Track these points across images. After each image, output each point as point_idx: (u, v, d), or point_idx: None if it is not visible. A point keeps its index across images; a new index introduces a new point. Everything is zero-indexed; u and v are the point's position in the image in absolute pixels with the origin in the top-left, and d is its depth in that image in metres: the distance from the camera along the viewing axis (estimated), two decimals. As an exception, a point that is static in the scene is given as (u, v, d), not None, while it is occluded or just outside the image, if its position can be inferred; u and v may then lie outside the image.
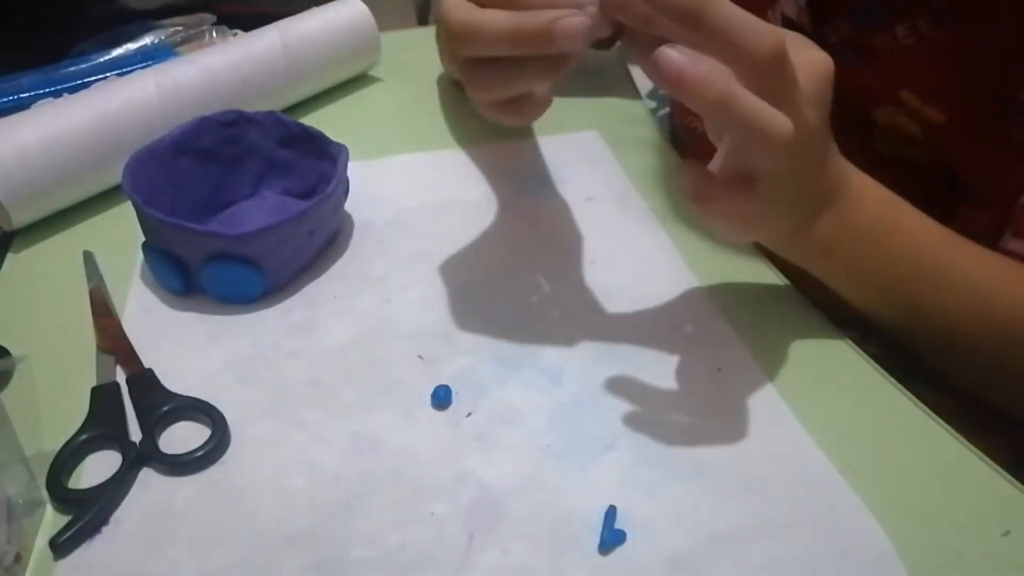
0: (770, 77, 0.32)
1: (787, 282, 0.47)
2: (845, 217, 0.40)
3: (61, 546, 0.33)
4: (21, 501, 0.34)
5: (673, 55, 0.29)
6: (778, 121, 0.31)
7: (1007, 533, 0.34)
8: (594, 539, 0.34)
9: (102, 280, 0.47)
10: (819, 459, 0.37)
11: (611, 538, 0.33)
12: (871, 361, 0.42)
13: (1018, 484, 0.36)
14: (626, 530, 0.34)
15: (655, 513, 0.35)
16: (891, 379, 0.41)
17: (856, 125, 0.47)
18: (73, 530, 0.34)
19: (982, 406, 0.48)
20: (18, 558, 0.33)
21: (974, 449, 0.37)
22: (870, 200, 0.41)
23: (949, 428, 0.38)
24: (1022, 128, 0.43)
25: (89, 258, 0.49)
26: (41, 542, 0.34)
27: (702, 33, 0.30)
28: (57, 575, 0.33)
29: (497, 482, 0.36)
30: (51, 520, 0.35)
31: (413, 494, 0.36)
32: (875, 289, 0.42)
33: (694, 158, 0.56)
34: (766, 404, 0.39)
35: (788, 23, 0.51)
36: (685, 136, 0.61)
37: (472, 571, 0.33)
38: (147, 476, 0.37)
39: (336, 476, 0.36)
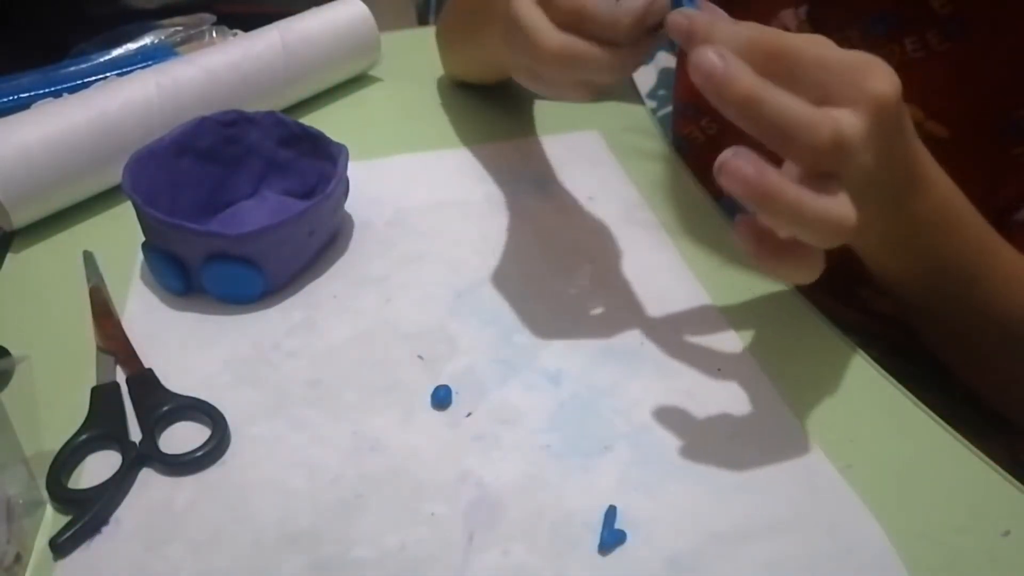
0: (829, 163, 0.31)
1: (788, 284, 0.47)
2: (919, 210, 0.38)
3: (61, 546, 0.33)
4: (21, 501, 0.34)
5: (731, 159, 0.30)
6: (841, 212, 0.31)
7: (1007, 533, 0.34)
8: (594, 539, 0.34)
9: (102, 280, 0.47)
10: (819, 459, 0.37)
11: (611, 538, 0.33)
12: (872, 362, 0.42)
13: (1018, 484, 0.36)
14: (626, 530, 0.34)
15: (655, 513, 0.35)
16: (891, 379, 0.41)
17: None
18: (73, 530, 0.34)
19: (981, 407, 0.48)
20: (18, 558, 0.33)
21: (974, 449, 0.37)
22: (940, 189, 0.39)
23: (949, 428, 0.38)
24: (1022, 145, 0.43)
25: (89, 258, 0.49)
26: (41, 542, 0.34)
27: (758, 128, 0.30)
28: (57, 575, 0.33)
29: (497, 482, 0.36)
30: (51, 520, 0.35)
31: (413, 494, 0.36)
32: (935, 279, 0.41)
33: (692, 168, 0.57)
34: (766, 404, 0.39)
35: None
36: (684, 146, 0.61)
37: (472, 571, 0.33)
38: (147, 476, 0.37)
39: (336, 476, 0.36)
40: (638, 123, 0.63)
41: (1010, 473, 0.36)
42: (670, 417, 0.39)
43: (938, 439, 0.38)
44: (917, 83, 0.46)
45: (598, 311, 0.45)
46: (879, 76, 0.32)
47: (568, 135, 0.60)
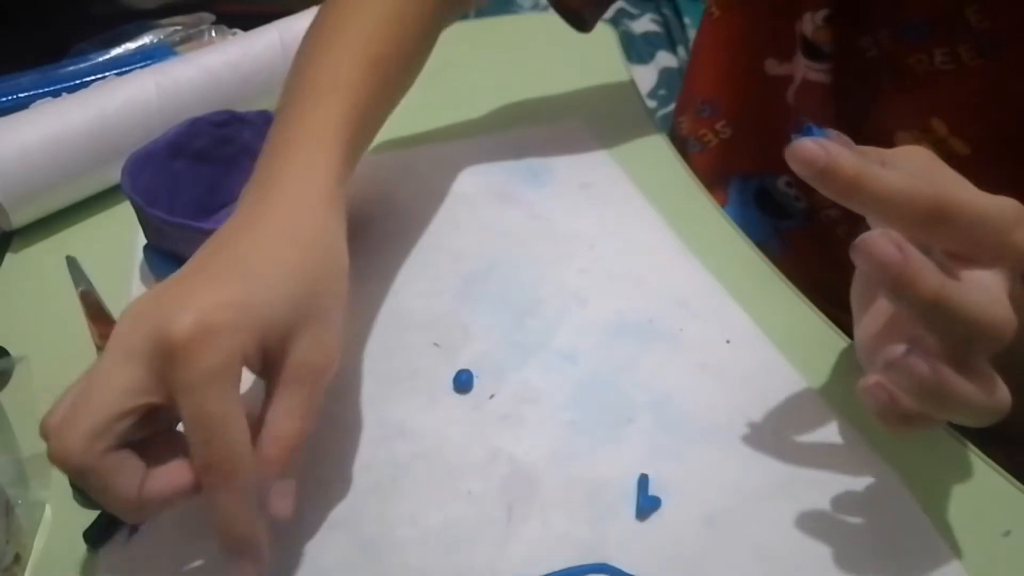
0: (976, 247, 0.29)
1: (787, 282, 0.47)
2: None
3: (94, 539, 0.33)
4: (20, 502, 0.34)
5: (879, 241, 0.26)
6: (998, 313, 0.27)
7: (1007, 533, 0.33)
8: (630, 506, 0.35)
9: (90, 284, 0.47)
10: (832, 417, 0.38)
11: (647, 504, 0.35)
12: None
13: (1018, 484, 0.36)
14: (660, 495, 0.35)
15: (685, 478, 0.36)
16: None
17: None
18: (105, 522, 0.34)
19: None
20: (17, 558, 0.33)
21: (974, 449, 0.37)
22: None
23: (949, 428, 0.38)
24: None
25: (73, 263, 0.49)
26: (40, 542, 0.34)
27: (936, 329, 0.27)
28: (101, 570, 0.33)
29: (528, 457, 0.37)
30: (50, 520, 0.35)
31: (447, 474, 0.36)
32: None
33: (698, 169, 0.57)
34: (777, 373, 0.41)
35: (805, 43, 0.50)
36: (695, 146, 0.60)
37: (516, 542, 0.34)
38: None
39: (368, 463, 0.37)
40: (622, 110, 0.64)
41: (1010, 473, 0.36)
42: (687, 387, 0.40)
43: (938, 439, 0.38)
44: (943, 96, 0.44)
45: (604, 292, 0.46)
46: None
47: (553, 126, 0.61)
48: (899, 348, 0.28)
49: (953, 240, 0.29)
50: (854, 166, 0.27)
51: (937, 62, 0.44)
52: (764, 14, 0.37)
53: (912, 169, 0.30)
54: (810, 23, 0.50)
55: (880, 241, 0.26)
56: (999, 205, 0.29)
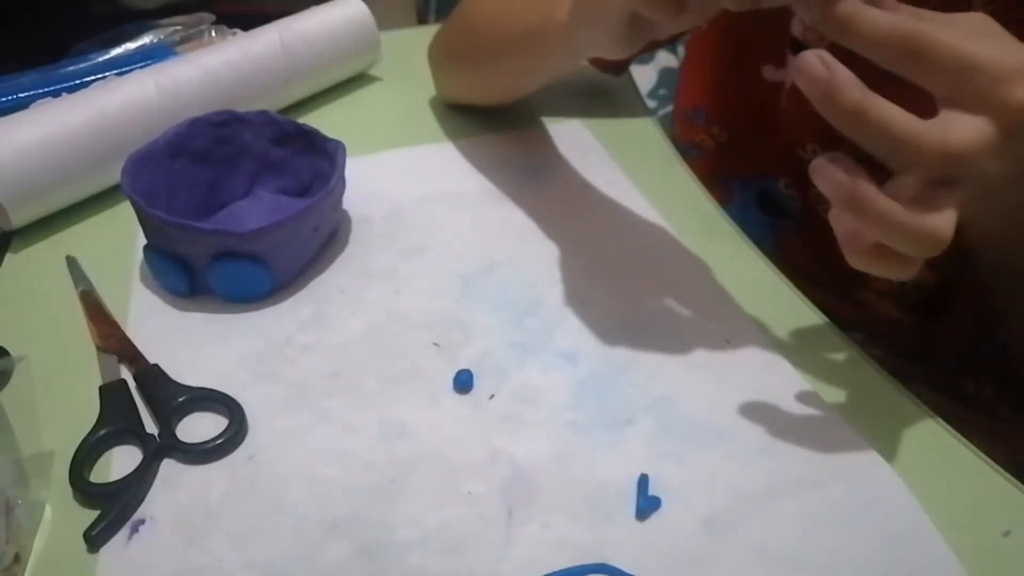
0: (941, 171, 0.31)
1: (788, 283, 0.47)
2: None
3: (95, 538, 0.33)
4: (20, 501, 0.34)
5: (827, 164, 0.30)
6: (935, 227, 0.30)
7: (1007, 533, 0.33)
8: (630, 507, 0.35)
9: (90, 283, 0.47)
10: (833, 419, 0.38)
11: (647, 504, 0.35)
12: (872, 362, 0.42)
13: (1018, 484, 0.36)
14: (660, 496, 0.35)
15: (685, 478, 0.36)
16: (892, 380, 0.41)
17: None
18: (105, 522, 0.34)
19: (981, 407, 0.48)
20: (17, 558, 0.33)
21: (974, 449, 0.37)
22: None
23: (949, 428, 0.38)
24: None
25: (73, 263, 0.49)
26: (40, 543, 0.34)
27: (861, 139, 0.30)
28: (101, 570, 0.33)
29: (528, 459, 0.37)
30: (50, 520, 0.35)
31: (448, 475, 0.36)
32: None
33: (697, 172, 0.57)
34: (777, 372, 0.41)
35: (795, 45, 0.50)
36: (693, 152, 0.60)
37: (516, 543, 0.34)
38: (175, 472, 0.37)
39: (368, 463, 0.37)
40: (622, 110, 0.64)
41: (1010, 473, 0.36)
42: (687, 388, 0.40)
43: (938, 439, 0.38)
44: None
45: (605, 292, 0.46)
46: (1019, 85, 0.30)
47: (553, 127, 0.61)
48: (826, 156, 0.30)
49: (932, 80, 0.31)
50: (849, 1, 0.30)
51: None
52: (759, 20, 0.37)
53: (962, 29, 0.31)
54: (799, 24, 0.50)
55: (809, 58, 0.29)
56: (996, 55, 0.30)
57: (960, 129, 0.30)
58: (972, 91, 0.30)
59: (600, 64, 0.65)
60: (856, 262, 0.32)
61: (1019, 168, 0.32)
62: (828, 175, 0.30)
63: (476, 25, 0.58)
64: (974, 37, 0.31)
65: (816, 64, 0.29)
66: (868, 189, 0.30)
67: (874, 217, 0.30)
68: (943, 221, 0.31)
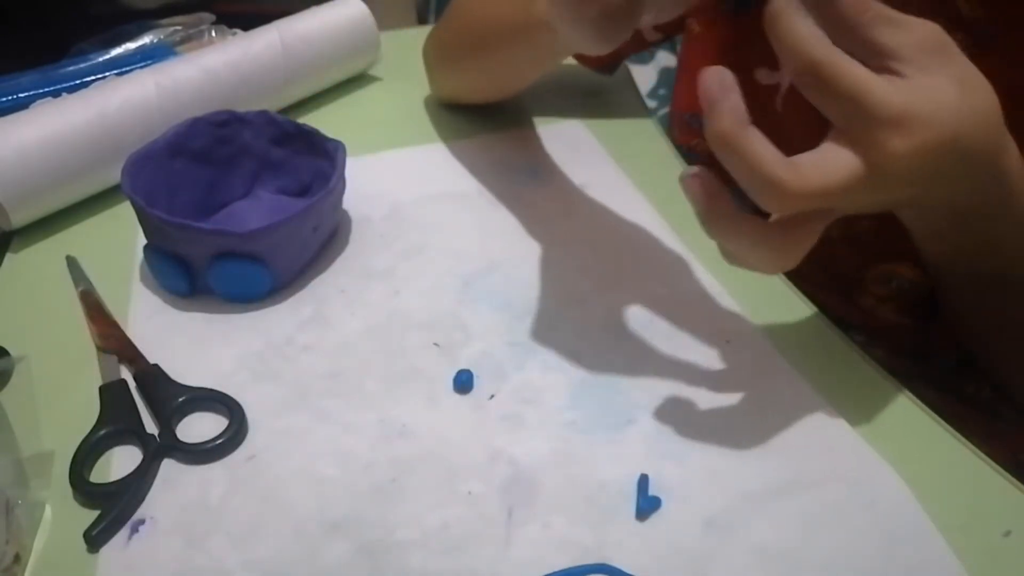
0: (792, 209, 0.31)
1: (788, 283, 0.47)
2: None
3: (95, 538, 0.33)
4: (20, 501, 0.34)
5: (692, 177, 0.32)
6: (777, 253, 0.32)
7: (1007, 533, 0.33)
8: (630, 507, 0.35)
9: (90, 283, 0.47)
10: (833, 419, 0.38)
11: (647, 504, 0.35)
12: (872, 362, 0.41)
13: (1018, 484, 0.36)
14: (660, 496, 0.35)
15: (685, 478, 0.36)
16: (892, 380, 0.41)
17: None
18: (105, 522, 0.34)
19: (982, 407, 0.48)
20: (17, 559, 0.33)
21: (974, 449, 0.37)
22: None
23: (949, 428, 0.38)
24: None
25: (73, 263, 0.49)
26: (40, 543, 0.34)
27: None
28: (101, 570, 0.33)
29: (528, 459, 0.37)
30: (50, 520, 0.35)
31: (448, 475, 0.36)
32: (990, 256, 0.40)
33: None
34: (777, 373, 0.41)
35: None
36: (690, 158, 0.60)
37: (516, 543, 0.34)
38: (175, 472, 0.37)
39: (368, 463, 0.37)
40: (622, 110, 0.64)
41: (1010, 473, 0.36)
42: (687, 388, 0.40)
43: (938, 439, 0.38)
44: None
45: (605, 292, 0.46)
46: (898, 133, 0.30)
47: (552, 126, 0.61)
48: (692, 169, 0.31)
49: (825, 106, 0.31)
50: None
51: None
52: (752, 23, 0.37)
53: (911, 40, 0.31)
54: None
55: (708, 75, 0.30)
56: (887, 95, 0.30)
57: (827, 167, 0.30)
58: (857, 128, 0.31)
59: (591, 63, 0.65)
60: (712, 231, 0.33)
61: (897, 200, 0.34)
62: (688, 190, 0.31)
63: (463, 21, 0.58)
64: (913, 51, 0.31)
65: (711, 84, 0.30)
66: (722, 209, 0.31)
67: (726, 236, 0.32)
68: (796, 247, 0.32)
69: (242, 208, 0.52)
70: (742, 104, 0.30)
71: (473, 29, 0.57)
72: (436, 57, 0.63)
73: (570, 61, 0.65)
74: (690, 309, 0.45)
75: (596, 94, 0.66)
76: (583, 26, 0.39)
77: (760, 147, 0.30)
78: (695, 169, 0.32)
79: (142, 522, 0.35)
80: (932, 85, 0.31)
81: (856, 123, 0.31)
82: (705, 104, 0.30)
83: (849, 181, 0.30)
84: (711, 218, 0.32)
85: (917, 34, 0.32)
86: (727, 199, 0.32)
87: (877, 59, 0.31)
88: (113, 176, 0.48)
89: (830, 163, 0.31)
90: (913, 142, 0.31)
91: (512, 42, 0.51)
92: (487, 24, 0.55)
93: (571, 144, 0.59)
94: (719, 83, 0.30)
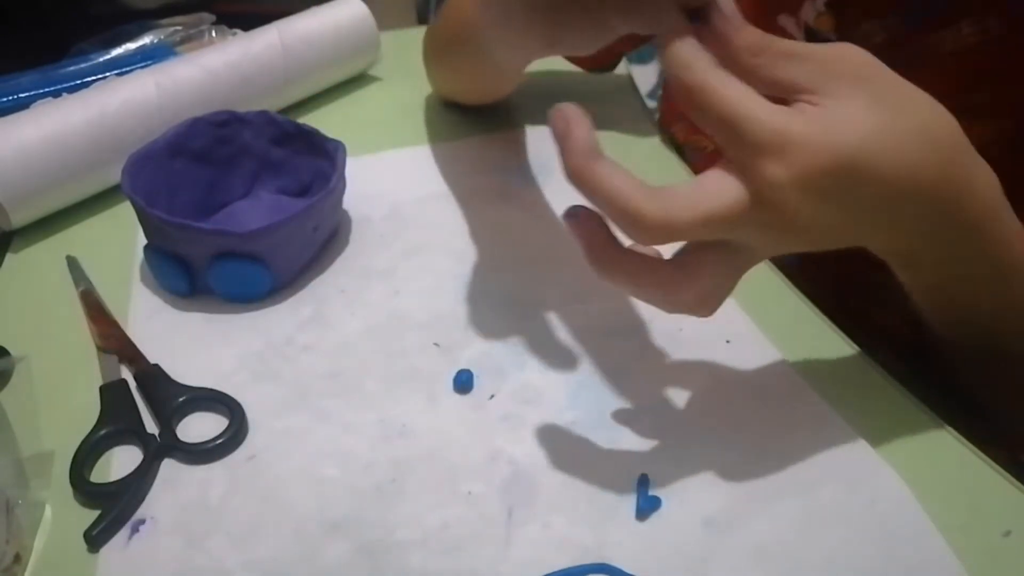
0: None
1: (787, 283, 0.47)
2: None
3: (95, 538, 0.33)
4: (20, 501, 0.34)
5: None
6: (632, 203, 0.29)
7: (1007, 533, 0.33)
8: (630, 507, 0.35)
9: (90, 283, 0.47)
10: (833, 419, 0.38)
11: (647, 504, 0.35)
12: (872, 362, 0.42)
13: (1018, 484, 0.35)
14: (660, 496, 0.35)
15: (685, 478, 0.36)
16: (892, 380, 0.41)
17: None
18: (106, 522, 0.34)
19: (982, 407, 0.48)
20: (17, 558, 0.33)
21: (974, 449, 0.37)
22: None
23: (950, 428, 0.38)
24: None
25: (73, 263, 0.49)
26: (40, 543, 0.34)
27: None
28: (101, 570, 0.33)
29: (528, 459, 0.37)
30: (50, 520, 0.35)
31: (448, 475, 0.36)
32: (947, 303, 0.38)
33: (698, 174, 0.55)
34: (777, 373, 0.41)
35: (808, 32, 0.50)
36: (691, 155, 0.60)
37: (516, 543, 0.34)
38: (175, 472, 0.37)
39: (369, 463, 0.37)
40: (622, 110, 0.64)
41: (1010, 473, 0.36)
42: (687, 388, 0.40)
43: (938, 438, 0.38)
44: (978, 71, 0.40)
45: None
46: (772, 159, 0.28)
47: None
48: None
49: (710, 132, 0.30)
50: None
51: (965, 35, 0.40)
52: (766, 10, 0.36)
53: (813, 69, 0.30)
54: (811, 10, 0.48)
55: (556, 110, 0.29)
56: (762, 121, 0.28)
57: (700, 196, 0.29)
58: (737, 154, 0.29)
59: (584, 64, 0.64)
60: (601, 271, 0.32)
61: (816, 239, 0.31)
62: (570, 230, 0.31)
63: (446, 19, 0.58)
64: (818, 79, 0.29)
65: (556, 120, 0.29)
66: (604, 248, 0.30)
67: (612, 276, 0.31)
68: (693, 286, 0.31)
69: (242, 208, 0.52)
70: (590, 136, 0.29)
71: (447, 25, 0.57)
72: (428, 55, 0.63)
73: (569, 63, 0.65)
74: (690, 309, 0.45)
75: (596, 95, 0.66)
76: (514, 33, 0.38)
77: (612, 178, 0.28)
78: (577, 208, 0.31)
79: (142, 522, 0.35)
80: (832, 109, 0.29)
81: (735, 149, 0.29)
82: (556, 139, 0.29)
83: (728, 211, 0.29)
84: (593, 258, 0.31)
85: (820, 62, 0.30)
86: (607, 236, 0.30)
87: (790, 95, 0.30)
88: (113, 176, 0.48)
89: (706, 191, 0.29)
90: (792, 168, 0.28)
91: (463, 44, 0.51)
92: (454, 21, 0.54)
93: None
94: (564, 118, 0.29)
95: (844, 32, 0.47)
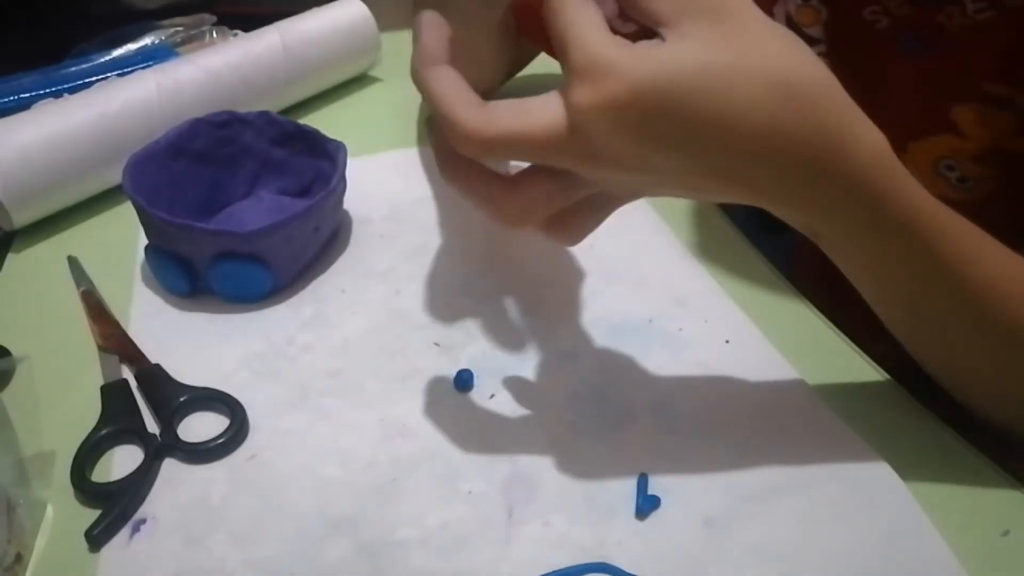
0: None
1: (787, 283, 0.47)
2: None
3: (96, 538, 0.33)
4: (21, 501, 0.34)
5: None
6: (459, 114, 0.28)
7: (1007, 533, 0.34)
8: (630, 506, 0.35)
9: (91, 283, 0.47)
10: (832, 419, 0.38)
11: (647, 504, 0.35)
12: (872, 362, 0.42)
13: (1018, 484, 0.36)
14: (660, 495, 0.35)
15: (685, 478, 0.36)
16: (892, 380, 0.41)
17: (935, 127, 0.40)
18: (107, 521, 0.34)
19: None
20: (18, 558, 0.33)
21: (974, 449, 0.37)
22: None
23: (949, 428, 0.38)
24: None
25: (75, 263, 0.49)
26: (41, 542, 0.34)
27: None
28: (102, 570, 0.33)
29: (529, 458, 0.37)
30: (51, 520, 0.35)
31: (448, 475, 0.36)
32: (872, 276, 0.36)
33: None
34: (775, 372, 0.41)
35: (790, 23, 0.49)
36: None
37: (516, 542, 0.34)
38: (176, 472, 0.37)
39: (369, 462, 0.37)
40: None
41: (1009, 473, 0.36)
42: (687, 387, 0.40)
43: (938, 438, 0.38)
44: (989, 52, 0.38)
45: (604, 292, 0.46)
46: (584, 83, 0.27)
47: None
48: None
49: (556, 50, 0.29)
50: None
51: (971, 12, 0.38)
52: None
53: (677, 4, 0.28)
54: (790, 3, 0.46)
55: (421, 15, 0.30)
56: (585, 41, 0.27)
57: (524, 114, 0.28)
58: (564, 78, 0.28)
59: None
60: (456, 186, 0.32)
61: (647, 176, 0.30)
62: (428, 136, 0.31)
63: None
64: (676, 15, 0.28)
65: (416, 24, 0.30)
66: (453, 155, 0.30)
67: (454, 181, 0.31)
68: (517, 204, 0.31)
69: (243, 208, 0.52)
70: (438, 44, 0.29)
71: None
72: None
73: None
74: (689, 308, 0.45)
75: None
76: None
77: (446, 87, 0.28)
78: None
79: (143, 521, 0.35)
80: (669, 43, 0.28)
81: (564, 72, 0.28)
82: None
83: (541, 133, 0.28)
84: (440, 161, 0.31)
85: None
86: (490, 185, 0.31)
87: (655, 28, 0.28)
88: (114, 176, 0.48)
89: (526, 111, 0.28)
90: (595, 94, 0.27)
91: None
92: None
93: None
94: (420, 23, 0.29)
95: (839, 24, 0.45)
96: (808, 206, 0.31)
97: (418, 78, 0.29)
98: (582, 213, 0.33)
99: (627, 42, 0.28)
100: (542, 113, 0.28)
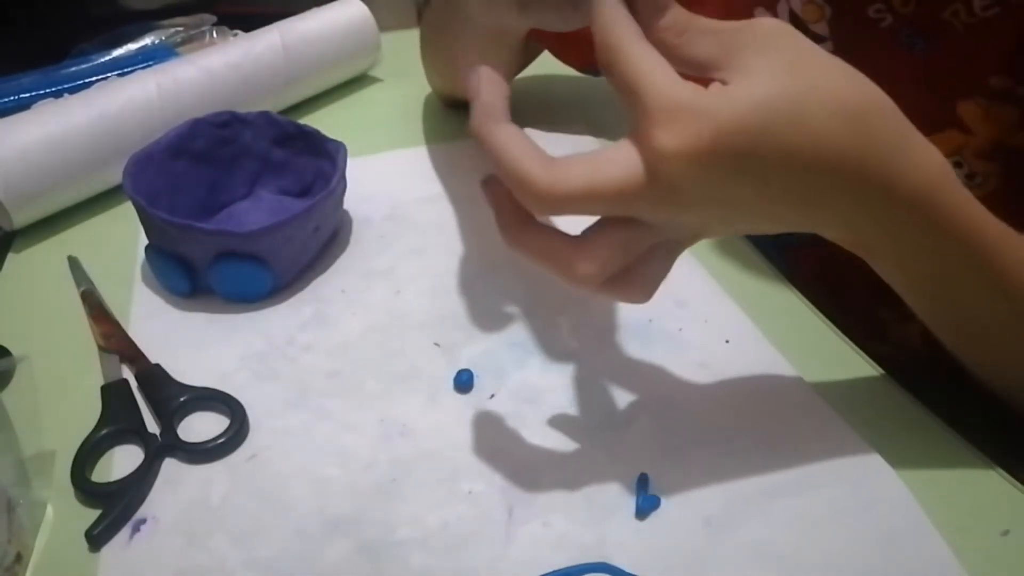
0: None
1: (787, 283, 0.47)
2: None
3: (96, 538, 0.33)
4: (21, 501, 0.34)
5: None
6: (522, 166, 0.28)
7: (1007, 533, 0.34)
8: (629, 506, 0.35)
9: (92, 283, 0.47)
10: (832, 419, 0.38)
11: (646, 504, 0.35)
12: (872, 362, 0.42)
13: (1018, 484, 0.36)
14: (659, 495, 0.35)
15: (685, 478, 0.36)
16: (892, 380, 0.41)
17: (941, 123, 0.40)
18: (107, 521, 0.34)
19: (980, 406, 0.48)
20: (18, 558, 0.33)
21: (974, 449, 0.37)
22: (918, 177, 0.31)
23: (949, 428, 0.38)
24: None
25: (75, 263, 0.49)
26: (41, 542, 0.34)
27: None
28: (102, 570, 0.33)
29: (529, 458, 0.37)
30: (51, 520, 0.35)
31: (448, 474, 0.36)
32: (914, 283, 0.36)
33: None
34: (777, 373, 0.41)
35: (795, 22, 0.49)
36: None
37: (516, 543, 0.34)
38: (176, 472, 0.37)
39: (369, 462, 0.37)
40: (624, 114, 0.64)
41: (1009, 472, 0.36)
42: (687, 387, 0.40)
43: (939, 438, 0.38)
44: (995, 47, 0.38)
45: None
46: (663, 127, 0.27)
47: (554, 127, 0.61)
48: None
49: (620, 97, 0.28)
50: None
51: (977, 8, 0.38)
52: (748, 3, 0.35)
53: (728, 42, 0.29)
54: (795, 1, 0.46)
55: (476, 71, 0.29)
56: (660, 86, 0.27)
57: (596, 166, 0.28)
58: (635, 123, 0.28)
59: (574, 62, 0.64)
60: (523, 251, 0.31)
61: (725, 217, 0.30)
62: (486, 198, 0.30)
63: (431, 13, 0.58)
64: (732, 54, 0.28)
65: (472, 79, 0.29)
66: (513, 218, 0.30)
67: (518, 246, 0.30)
68: (591, 266, 0.29)
69: (243, 209, 0.52)
70: (498, 99, 0.29)
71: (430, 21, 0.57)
72: (424, 42, 0.62)
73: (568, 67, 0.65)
74: (689, 308, 0.45)
75: (599, 97, 0.66)
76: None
77: (509, 142, 0.28)
78: (493, 176, 0.30)
79: (143, 521, 0.35)
80: (736, 82, 0.28)
81: (635, 118, 0.28)
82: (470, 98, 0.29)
83: (619, 183, 0.27)
84: (500, 226, 0.30)
85: (729, 33, 0.29)
86: (516, 205, 0.29)
87: (708, 74, 0.29)
88: (115, 176, 0.48)
89: (600, 163, 0.28)
90: (684, 137, 0.27)
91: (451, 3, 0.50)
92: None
93: (572, 146, 0.59)
94: (478, 78, 0.29)
95: (844, 21, 0.45)
96: (869, 227, 0.32)
97: (482, 134, 0.29)
98: (649, 264, 0.31)
99: (697, 85, 0.28)
100: (616, 163, 0.28)
